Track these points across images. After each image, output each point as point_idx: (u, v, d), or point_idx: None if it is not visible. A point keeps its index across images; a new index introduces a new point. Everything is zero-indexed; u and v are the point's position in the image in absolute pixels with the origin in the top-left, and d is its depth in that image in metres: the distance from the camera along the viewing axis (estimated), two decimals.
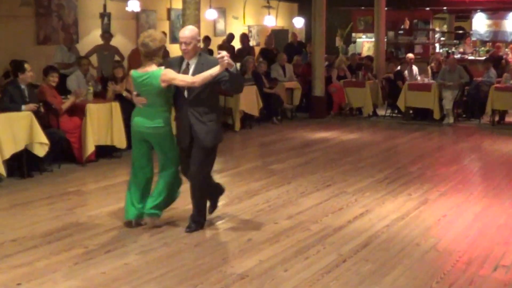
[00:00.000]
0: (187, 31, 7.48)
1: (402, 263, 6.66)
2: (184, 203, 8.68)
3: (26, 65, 10.66)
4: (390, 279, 6.22)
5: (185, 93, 7.43)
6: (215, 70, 7.17)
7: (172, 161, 7.69)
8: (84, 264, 6.55)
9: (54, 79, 11.36)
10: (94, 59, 15.47)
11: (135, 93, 7.63)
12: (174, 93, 7.51)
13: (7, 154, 9.92)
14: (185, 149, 7.54)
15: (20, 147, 10.18)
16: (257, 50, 20.83)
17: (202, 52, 7.74)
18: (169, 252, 6.96)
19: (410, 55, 19.21)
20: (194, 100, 7.39)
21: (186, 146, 7.51)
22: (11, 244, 7.19)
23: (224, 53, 7.15)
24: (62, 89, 12.17)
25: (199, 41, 7.56)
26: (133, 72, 7.61)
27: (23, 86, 10.59)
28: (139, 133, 7.60)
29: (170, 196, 7.86)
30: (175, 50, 17.16)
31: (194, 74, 7.33)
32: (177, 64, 7.50)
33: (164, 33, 17.06)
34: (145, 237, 7.46)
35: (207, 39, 18.75)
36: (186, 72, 7.40)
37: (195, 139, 7.43)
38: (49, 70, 11.47)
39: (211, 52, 17.49)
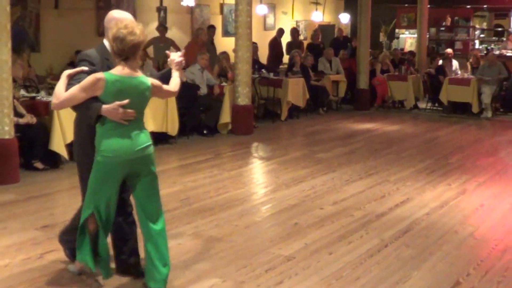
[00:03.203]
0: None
1: (441, 249, 6.64)
2: (236, 186, 8.77)
3: None
4: (429, 265, 6.20)
5: None
6: (177, 74, 5.67)
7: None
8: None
9: None
10: (150, 50, 15.68)
11: (118, 103, 5.03)
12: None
13: (69, 138, 9.83)
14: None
15: None
16: (304, 44, 20.80)
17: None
18: (220, 233, 7.02)
19: (449, 50, 19.08)
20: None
21: None
22: None
23: (177, 55, 5.77)
24: None
25: None
26: (107, 75, 5.01)
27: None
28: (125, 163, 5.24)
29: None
30: (227, 44, 17.23)
31: None
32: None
33: (213, 26, 17.24)
34: (197, 219, 7.54)
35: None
36: None
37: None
38: None
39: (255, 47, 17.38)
